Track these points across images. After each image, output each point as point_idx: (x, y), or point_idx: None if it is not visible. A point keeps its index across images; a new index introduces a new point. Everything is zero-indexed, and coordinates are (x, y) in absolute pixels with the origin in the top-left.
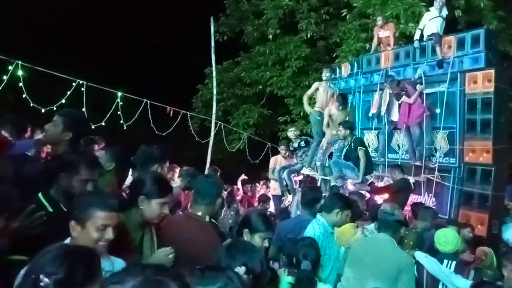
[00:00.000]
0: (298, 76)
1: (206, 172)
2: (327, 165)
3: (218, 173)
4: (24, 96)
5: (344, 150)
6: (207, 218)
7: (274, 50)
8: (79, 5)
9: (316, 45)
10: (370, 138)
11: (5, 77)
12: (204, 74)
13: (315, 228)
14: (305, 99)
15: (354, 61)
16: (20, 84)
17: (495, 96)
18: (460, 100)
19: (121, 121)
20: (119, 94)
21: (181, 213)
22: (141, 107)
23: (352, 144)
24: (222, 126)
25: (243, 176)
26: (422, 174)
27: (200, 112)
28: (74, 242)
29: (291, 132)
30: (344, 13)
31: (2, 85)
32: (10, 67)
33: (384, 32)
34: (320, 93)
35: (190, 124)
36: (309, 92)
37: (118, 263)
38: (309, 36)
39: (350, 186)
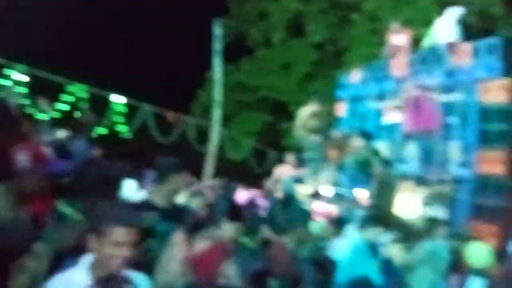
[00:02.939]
0: (304, 82)
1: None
2: None
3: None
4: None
5: None
6: None
7: (280, 54)
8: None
9: (324, 49)
10: (382, 147)
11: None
12: (204, 78)
13: None
14: None
15: (366, 67)
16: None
17: (509, 105)
18: (475, 110)
19: (120, 128)
20: (119, 100)
21: None
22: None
23: None
24: (223, 134)
25: None
26: (435, 185)
27: (198, 118)
28: (94, 256)
29: None
30: (354, 17)
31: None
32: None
33: (398, 38)
34: None
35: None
36: None
37: (140, 279)
38: (318, 40)
39: None
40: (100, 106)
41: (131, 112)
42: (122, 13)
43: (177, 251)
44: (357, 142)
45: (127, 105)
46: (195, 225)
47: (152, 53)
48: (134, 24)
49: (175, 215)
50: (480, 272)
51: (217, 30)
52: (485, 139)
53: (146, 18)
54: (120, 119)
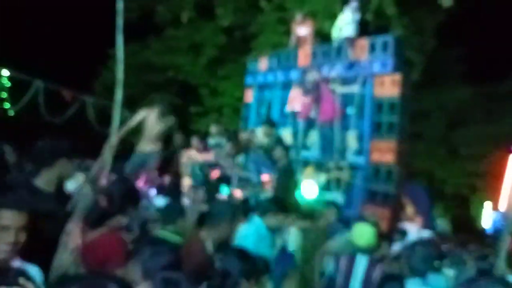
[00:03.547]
0: (213, 65)
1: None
2: None
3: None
4: None
5: None
6: None
7: (188, 34)
8: None
9: (233, 34)
10: (286, 135)
11: None
12: (107, 55)
13: None
14: None
15: (273, 55)
16: None
17: (399, 99)
18: (369, 102)
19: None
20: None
21: None
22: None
23: None
24: (126, 115)
25: None
26: (333, 171)
27: (101, 97)
28: None
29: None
30: (262, 5)
31: None
32: None
33: (302, 29)
34: None
35: (89, 110)
36: None
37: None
38: (226, 24)
39: None
40: None
41: (22, 88)
42: None
43: (69, 240)
44: (262, 131)
45: (14, 79)
46: (97, 213)
47: (50, 25)
48: None
49: (64, 202)
50: (365, 251)
51: (120, 5)
52: (378, 130)
53: None
54: (4, 94)
